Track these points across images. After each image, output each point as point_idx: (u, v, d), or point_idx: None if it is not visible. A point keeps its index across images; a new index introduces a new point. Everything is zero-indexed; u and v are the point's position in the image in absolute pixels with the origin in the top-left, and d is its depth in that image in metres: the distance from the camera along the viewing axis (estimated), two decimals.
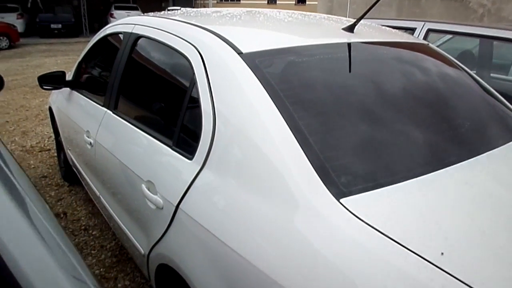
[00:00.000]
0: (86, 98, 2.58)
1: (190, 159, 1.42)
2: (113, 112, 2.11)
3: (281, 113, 1.21)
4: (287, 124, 1.19)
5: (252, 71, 1.32)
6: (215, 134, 1.34)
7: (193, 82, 1.47)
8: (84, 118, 2.54)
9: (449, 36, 3.72)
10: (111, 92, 2.16)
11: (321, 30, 1.82)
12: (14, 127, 5.32)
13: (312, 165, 1.10)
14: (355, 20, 1.81)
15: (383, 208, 1.02)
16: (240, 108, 1.29)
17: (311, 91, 1.35)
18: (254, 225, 1.13)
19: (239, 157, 1.27)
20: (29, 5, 18.12)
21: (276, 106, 1.22)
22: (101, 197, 2.35)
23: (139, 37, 1.99)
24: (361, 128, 1.28)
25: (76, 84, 2.88)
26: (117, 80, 2.12)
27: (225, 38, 1.48)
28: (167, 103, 1.75)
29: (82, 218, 3.13)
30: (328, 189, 1.05)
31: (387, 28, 2.11)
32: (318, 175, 1.08)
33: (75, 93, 2.83)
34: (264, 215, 1.11)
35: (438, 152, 1.30)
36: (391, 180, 1.11)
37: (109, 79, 2.22)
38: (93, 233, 2.94)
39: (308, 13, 2.19)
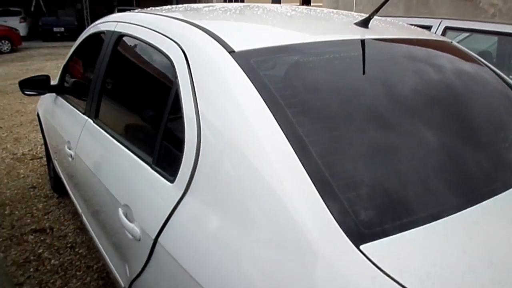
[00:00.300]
0: (69, 105, 2.35)
1: (171, 181, 1.16)
2: (93, 121, 1.86)
3: (282, 129, 0.95)
4: (290, 142, 0.93)
5: (246, 74, 1.07)
6: (200, 152, 1.08)
7: (176, 87, 1.22)
8: (66, 127, 2.30)
9: (465, 34, 3.44)
10: (92, 99, 1.92)
11: (330, 25, 1.56)
12: (7, 133, 5.10)
13: (322, 197, 0.84)
14: (367, 15, 1.55)
15: (420, 259, 0.76)
16: (230, 121, 1.03)
17: (320, 99, 1.08)
18: (248, 275, 0.87)
19: (229, 182, 1.01)
20: (32, 9, 18.02)
21: (276, 120, 0.96)
22: (83, 216, 2.10)
23: (121, 35, 1.74)
24: (384, 148, 1.01)
25: (61, 89, 2.65)
26: (98, 85, 1.87)
27: (214, 34, 1.22)
28: (148, 112, 1.50)
29: (69, 234, 2.89)
30: (344, 231, 0.78)
31: (405, 24, 1.85)
32: (330, 211, 0.81)
33: (60, 99, 2.60)
34: (260, 261, 0.85)
35: (479, 178, 1.03)
36: (425, 217, 0.85)
37: (91, 83, 1.98)
38: (80, 251, 2.69)
39: (314, 7, 1.93)
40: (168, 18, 1.48)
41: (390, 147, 1.03)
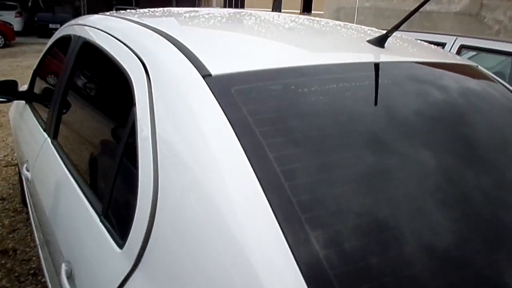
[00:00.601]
0: (33, 117, 2.05)
1: (121, 246, 0.86)
2: (51, 142, 1.57)
3: (266, 194, 0.67)
4: (273, 211, 0.65)
5: (222, 109, 0.78)
6: (157, 212, 0.79)
7: (133, 118, 0.92)
8: (27, 143, 2.01)
9: (471, 53, 3.18)
10: (52, 114, 1.63)
11: (338, 43, 1.27)
12: None
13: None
14: (381, 30, 1.27)
15: None
16: (198, 175, 0.74)
17: (324, 151, 0.79)
18: None
19: (194, 258, 0.72)
20: (29, 4, 17.70)
21: (260, 183, 0.68)
22: (38, 247, 1.81)
23: (85, 42, 1.45)
24: (402, 214, 0.74)
25: (29, 97, 2.36)
26: (58, 99, 1.58)
27: (187, 49, 0.93)
28: (104, 144, 1.21)
29: (34, 258, 2.58)
30: None
31: (423, 43, 1.58)
32: None
33: (28, 108, 2.30)
34: None
35: None
36: None
37: (53, 96, 1.69)
38: (43, 280, 2.38)
39: (317, 18, 1.65)
40: (137, 25, 1.19)
41: (412, 214, 0.74)
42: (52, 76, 2.05)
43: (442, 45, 2.61)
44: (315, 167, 0.77)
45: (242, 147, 0.72)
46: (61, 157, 1.40)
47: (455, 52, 2.55)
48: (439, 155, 0.91)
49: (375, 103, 0.98)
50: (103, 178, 1.08)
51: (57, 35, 2.14)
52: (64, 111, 1.54)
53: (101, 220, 0.97)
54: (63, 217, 1.19)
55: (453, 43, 2.58)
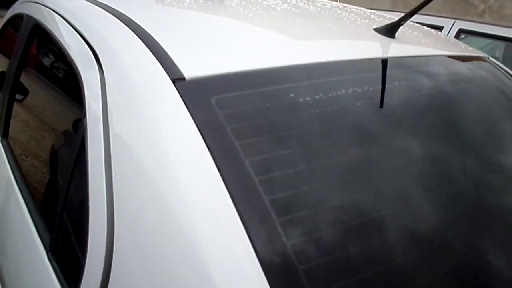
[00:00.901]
0: None
1: None
2: (1, 141, 1.34)
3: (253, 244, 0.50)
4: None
5: (197, 128, 0.58)
6: (114, 260, 0.60)
7: (83, 129, 0.71)
8: None
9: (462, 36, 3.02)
10: (2, 108, 1.39)
11: (341, 32, 1.06)
12: None
13: None
14: (384, 15, 1.08)
15: None
16: (164, 212, 0.55)
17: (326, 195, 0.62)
18: None
19: None
20: None
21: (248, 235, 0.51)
22: None
23: (36, 24, 1.21)
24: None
25: None
26: (8, 90, 1.35)
27: (155, 43, 0.72)
28: (56, 153, 0.99)
29: None
30: None
31: (433, 31, 1.40)
32: None
33: None
34: None
35: None
36: None
37: (3, 86, 1.45)
38: None
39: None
40: (97, 8, 0.94)
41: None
42: (5, 61, 1.80)
43: (440, 28, 2.44)
44: (308, 201, 0.60)
45: (226, 188, 0.53)
46: (9, 163, 1.17)
47: (453, 36, 2.38)
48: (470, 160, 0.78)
49: (389, 110, 0.80)
50: (53, 199, 0.87)
51: (11, 12, 1.87)
52: (15, 104, 1.31)
53: (48, 258, 0.77)
54: (9, 245, 0.97)
55: (451, 26, 2.41)
